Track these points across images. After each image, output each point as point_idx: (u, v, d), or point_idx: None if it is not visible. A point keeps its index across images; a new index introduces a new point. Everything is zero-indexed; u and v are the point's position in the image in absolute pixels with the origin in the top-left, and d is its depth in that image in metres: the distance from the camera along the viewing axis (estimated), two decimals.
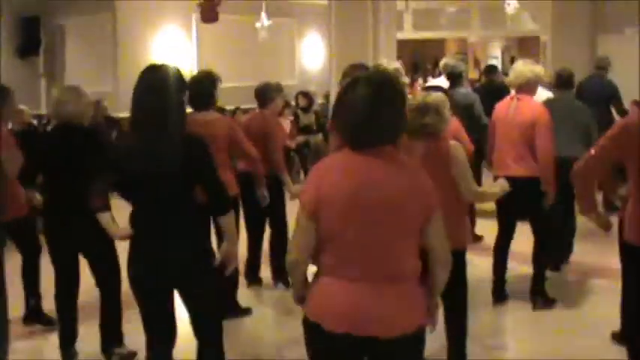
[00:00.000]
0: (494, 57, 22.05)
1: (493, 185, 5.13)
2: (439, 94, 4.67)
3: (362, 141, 2.89)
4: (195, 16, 13.00)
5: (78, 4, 13.48)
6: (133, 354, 5.22)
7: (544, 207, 6.10)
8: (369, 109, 2.84)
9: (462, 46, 21.57)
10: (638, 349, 4.51)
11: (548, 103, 6.53)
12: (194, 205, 3.86)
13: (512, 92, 6.53)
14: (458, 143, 4.63)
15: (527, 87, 6.23)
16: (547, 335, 5.78)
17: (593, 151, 4.55)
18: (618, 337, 5.29)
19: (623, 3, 14.05)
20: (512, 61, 21.07)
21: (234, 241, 4.02)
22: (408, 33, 16.74)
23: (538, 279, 6.34)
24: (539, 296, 6.31)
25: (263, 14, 13.85)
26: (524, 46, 20.58)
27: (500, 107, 6.41)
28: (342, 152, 2.97)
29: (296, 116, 13.44)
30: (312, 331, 2.95)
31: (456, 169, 4.46)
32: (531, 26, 16.11)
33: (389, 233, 2.87)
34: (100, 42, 13.28)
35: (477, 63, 22.39)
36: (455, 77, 8.81)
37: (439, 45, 21.11)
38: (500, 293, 6.42)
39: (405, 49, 16.29)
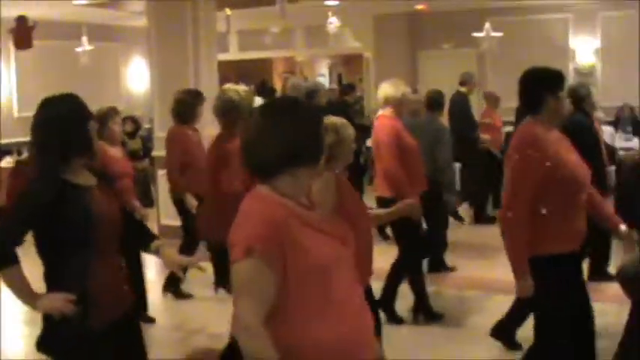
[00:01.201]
0: (322, 75, 22.41)
1: None
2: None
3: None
4: (11, 42, 12.48)
5: None
6: None
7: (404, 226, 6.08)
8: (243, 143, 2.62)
9: (290, 65, 21.81)
10: None
11: (411, 125, 6.65)
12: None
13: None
14: (330, 175, 3.80)
15: (387, 106, 6.29)
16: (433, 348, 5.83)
17: None
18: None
19: (439, 20, 14.70)
20: (340, 78, 21.55)
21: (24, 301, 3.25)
22: (234, 54, 16.81)
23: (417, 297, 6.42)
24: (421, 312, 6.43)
25: (84, 38, 13.48)
26: (349, 64, 21.02)
27: None
28: None
29: (123, 142, 13.08)
30: None
31: None
32: (354, 44, 16.53)
33: None
34: None
35: (305, 81, 22.61)
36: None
37: (266, 64, 21.25)
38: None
39: (232, 69, 16.30)
